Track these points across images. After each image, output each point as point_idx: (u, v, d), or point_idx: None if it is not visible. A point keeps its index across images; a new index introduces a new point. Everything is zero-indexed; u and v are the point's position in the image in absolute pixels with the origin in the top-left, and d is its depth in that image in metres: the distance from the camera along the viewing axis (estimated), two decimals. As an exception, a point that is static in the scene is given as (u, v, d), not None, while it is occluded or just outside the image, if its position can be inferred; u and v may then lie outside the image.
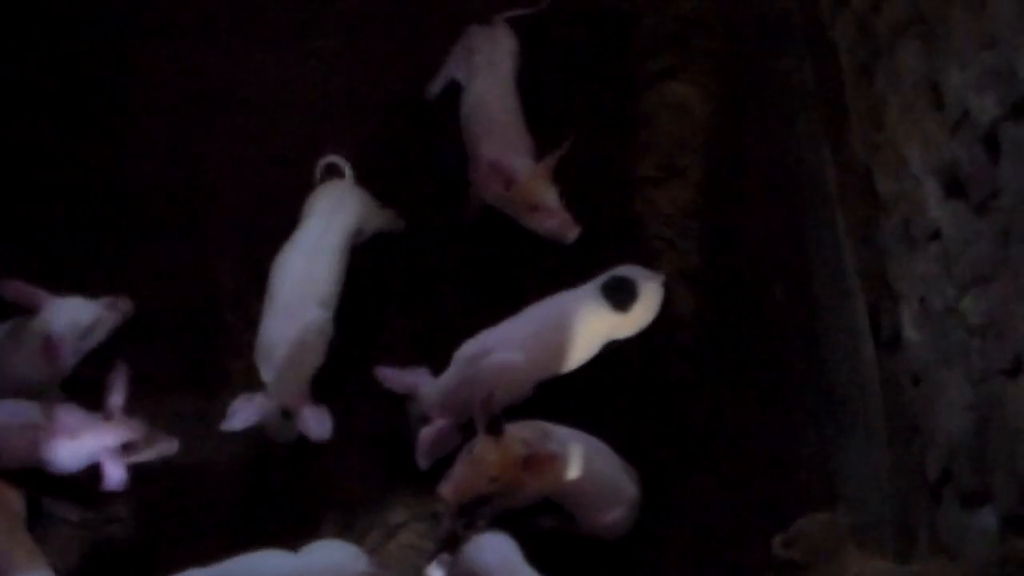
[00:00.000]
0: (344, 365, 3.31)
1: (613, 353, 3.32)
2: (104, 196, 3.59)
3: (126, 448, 3.03)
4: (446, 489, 2.94)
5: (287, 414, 3.14)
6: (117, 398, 3.04)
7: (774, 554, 1.60)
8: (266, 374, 3.14)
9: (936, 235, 2.75)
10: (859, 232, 3.28)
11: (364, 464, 3.28)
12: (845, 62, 3.43)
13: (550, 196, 3.35)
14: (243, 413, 3.09)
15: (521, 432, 3.00)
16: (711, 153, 3.77)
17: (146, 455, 3.08)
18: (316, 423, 3.12)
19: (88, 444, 3.02)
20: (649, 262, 3.51)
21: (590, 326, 3.21)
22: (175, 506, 3.21)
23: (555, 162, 3.35)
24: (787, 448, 3.31)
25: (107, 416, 3.03)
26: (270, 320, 3.16)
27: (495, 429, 2.91)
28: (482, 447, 2.92)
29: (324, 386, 3.21)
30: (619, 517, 3.14)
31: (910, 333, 2.93)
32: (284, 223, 3.39)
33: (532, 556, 2.92)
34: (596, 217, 3.50)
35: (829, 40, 3.55)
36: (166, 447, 3.09)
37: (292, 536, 3.02)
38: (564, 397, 3.30)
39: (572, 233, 3.35)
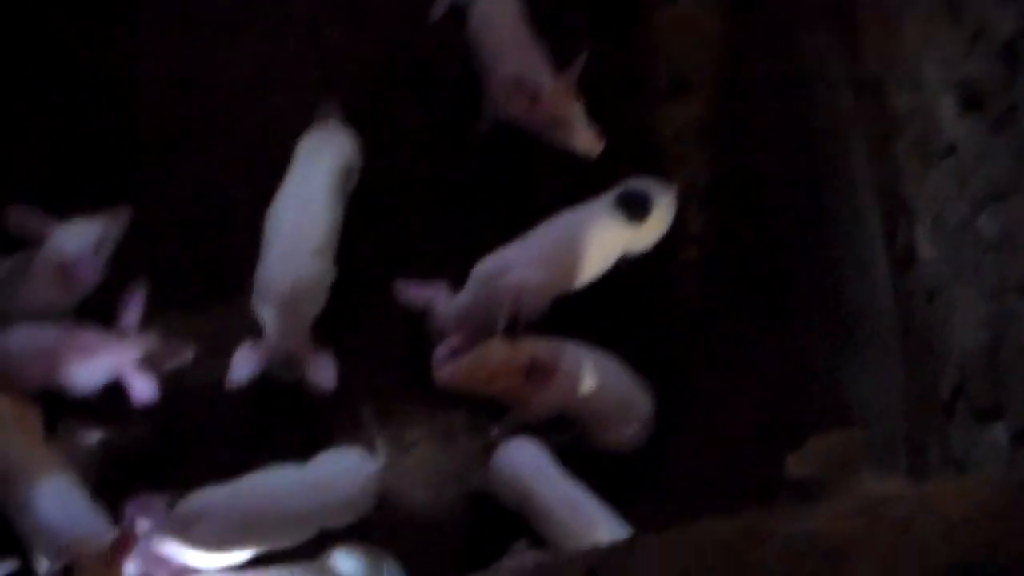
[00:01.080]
0: (360, 280, 3.31)
1: (624, 268, 3.33)
2: (114, 116, 3.56)
3: (147, 363, 3.06)
4: (443, 372, 2.99)
5: (289, 362, 3.14)
6: (131, 315, 3.08)
7: (787, 472, 1.62)
8: (264, 318, 3.13)
9: (952, 151, 2.73)
10: (873, 148, 3.25)
11: (379, 381, 3.30)
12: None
13: (575, 111, 3.32)
14: (245, 365, 3.10)
15: (536, 344, 3.02)
16: (722, 68, 3.72)
17: (165, 366, 3.11)
18: (319, 371, 3.13)
19: (106, 361, 3.04)
20: (660, 177, 3.49)
21: (604, 240, 3.21)
22: (189, 425, 3.23)
23: (576, 76, 3.31)
24: (799, 366, 3.32)
25: (121, 333, 3.06)
26: (265, 270, 3.13)
27: (512, 332, 2.93)
28: (492, 343, 2.97)
29: (340, 302, 3.22)
30: (632, 433, 3.17)
31: (924, 250, 2.92)
32: (295, 140, 3.36)
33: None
34: (607, 133, 3.47)
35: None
36: (181, 355, 3.12)
37: (306, 453, 3.08)
38: (577, 314, 3.30)
39: (597, 148, 3.33)
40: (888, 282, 3.13)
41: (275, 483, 2.96)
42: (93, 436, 3.16)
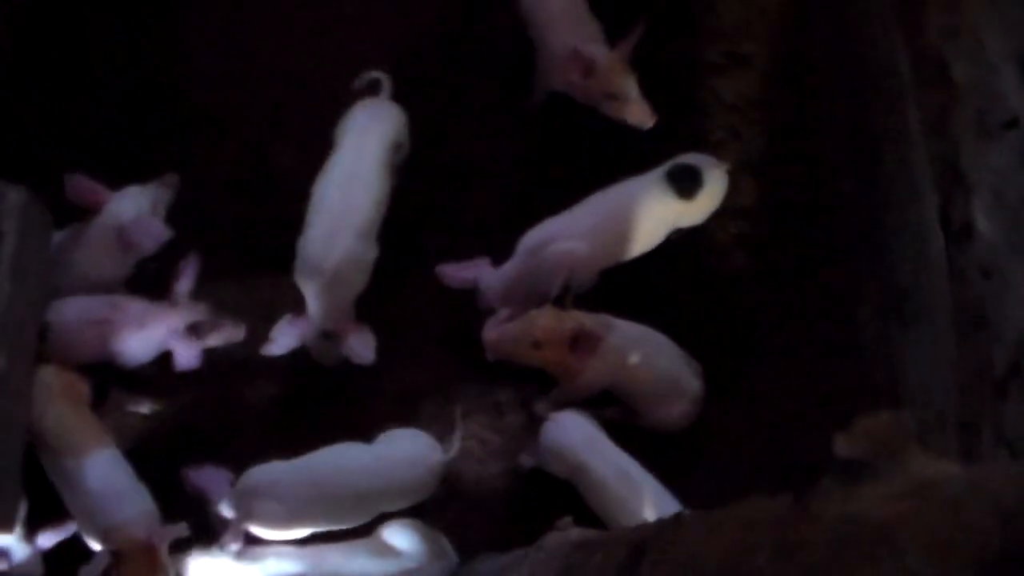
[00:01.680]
0: (406, 256, 3.31)
1: (675, 244, 3.30)
2: (159, 87, 3.57)
3: (194, 331, 3.08)
4: (490, 334, 3.00)
5: (330, 337, 3.13)
6: (184, 284, 3.09)
7: (835, 451, 1.59)
8: (306, 294, 3.12)
9: (1013, 124, 2.67)
10: (931, 121, 3.18)
11: (426, 356, 3.31)
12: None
13: (630, 84, 3.30)
14: (284, 339, 3.09)
15: (584, 315, 3.02)
16: (777, 41, 3.67)
17: (213, 339, 3.12)
18: (360, 347, 3.10)
19: (156, 330, 3.07)
20: (713, 151, 3.44)
21: (655, 213, 3.19)
22: (239, 400, 3.25)
23: (631, 48, 3.28)
24: (850, 342, 3.28)
25: (172, 301, 3.08)
26: (306, 245, 3.09)
27: (561, 301, 2.94)
28: (539, 310, 2.97)
29: (386, 277, 3.21)
30: (681, 411, 3.15)
31: (982, 225, 2.87)
32: (343, 109, 3.34)
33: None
34: (659, 106, 3.43)
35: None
36: (233, 332, 3.13)
37: (356, 428, 3.10)
38: (625, 288, 3.29)
39: (649, 121, 3.30)
40: (943, 257, 3.08)
41: (343, 461, 2.97)
42: (142, 406, 3.20)
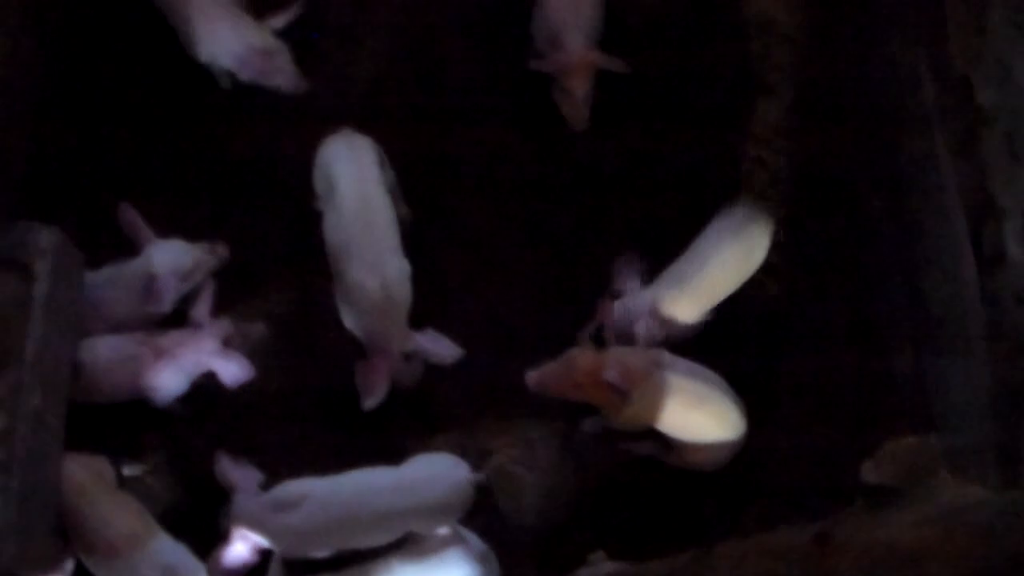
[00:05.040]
0: (439, 287, 3.32)
1: None
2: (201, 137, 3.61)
3: (229, 345, 3.10)
4: (532, 377, 2.99)
5: (408, 357, 3.15)
6: (202, 308, 3.12)
7: (863, 478, 1.57)
8: (360, 331, 3.13)
9: (1042, 147, 2.64)
10: (959, 146, 3.16)
11: (457, 389, 3.29)
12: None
13: (582, 86, 3.40)
14: (376, 387, 3.08)
15: (631, 356, 3.00)
16: (801, 68, 3.66)
17: (244, 348, 3.16)
18: (441, 349, 3.14)
19: (188, 358, 3.08)
20: (738, 181, 3.45)
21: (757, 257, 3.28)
22: (269, 428, 3.25)
23: (604, 60, 3.40)
24: (883, 370, 3.26)
25: (196, 325, 3.11)
26: (354, 288, 3.11)
27: (600, 339, 2.97)
28: (581, 351, 2.97)
29: (419, 309, 3.21)
30: (721, 454, 3.12)
31: (1014, 250, 2.84)
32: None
33: (620, 474, 2.97)
34: (683, 134, 3.45)
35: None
36: (257, 331, 3.18)
37: (385, 458, 3.08)
38: None
39: (580, 126, 3.46)
40: (975, 283, 3.04)
41: (370, 481, 2.99)
42: (135, 469, 3.18)
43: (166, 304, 3.16)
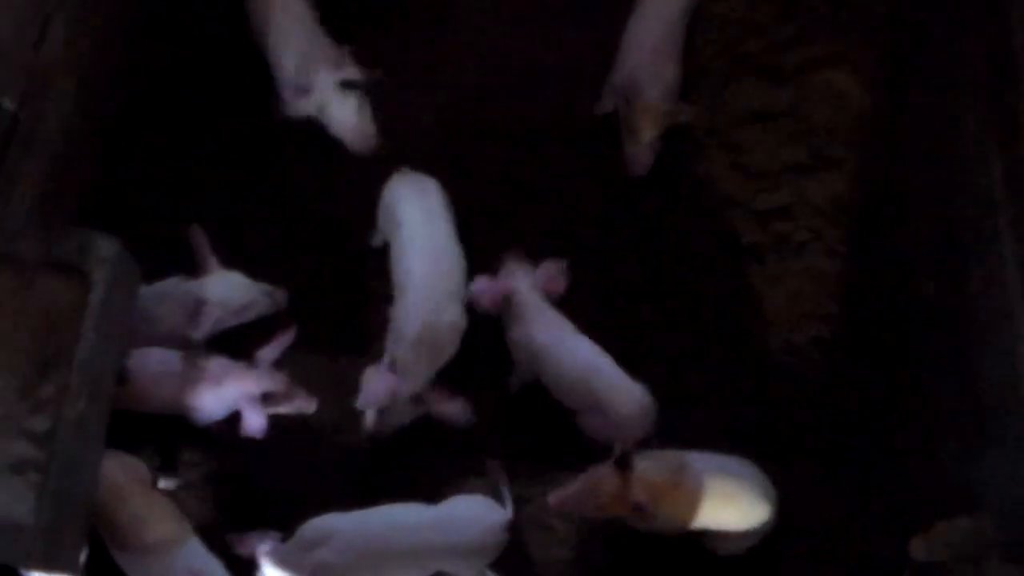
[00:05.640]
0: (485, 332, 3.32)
1: (756, 343, 3.31)
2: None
3: (266, 399, 3.11)
4: (554, 498, 2.95)
5: (419, 400, 3.17)
6: (271, 352, 3.13)
7: (912, 555, 1.53)
8: (404, 360, 3.12)
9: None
10: (1023, 235, 3.11)
11: (497, 433, 3.29)
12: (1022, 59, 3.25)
13: (648, 133, 3.46)
14: (373, 393, 3.08)
15: (654, 471, 2.93)
16: (868, 145, 3.65)
17: (284, 408, 3.15)
18: (451, 406, 3.17)
19: (231, 391, 3.10)
20: (793, 252, 3.47)
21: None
22: (301, 464, 3.27)
23: (676, 111, 3.47)
24: (926, 453, 3.21)
25: (253, 365, 3.11)
26: (409, 317, 3.14)
27: (624, 464, 2.89)
28: (604, 477, 2.90)
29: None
30: (750, 544, 3.07)
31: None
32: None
33: (646, 547, 2.96)
34: (744, 200, 3.45)
35: (1006, 26, 3.36)
36: (304, 403, 3.16)
37: (420, 497, 3.07)
38: (701, 391, 3.31)
39: (638, 172, 3.51)
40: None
41: (402, 516, 2.99)
42: (169, 482, 3.20)
43: (203, 331, 3.18)
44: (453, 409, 3.18)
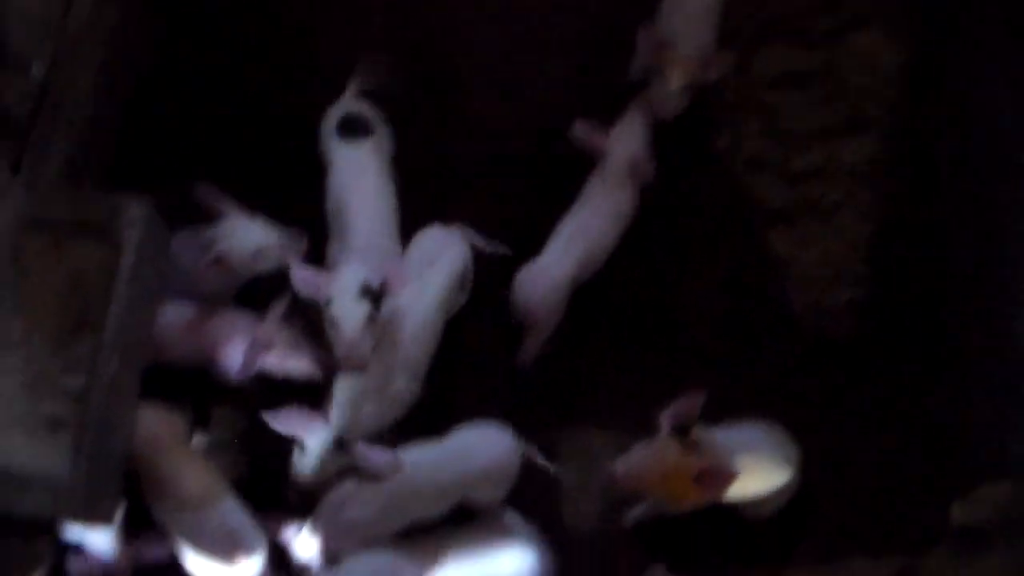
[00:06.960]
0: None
1: (785, 307, 3.31)
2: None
3: (264, 347, 3.07)
4: (620, 468, 2.90)
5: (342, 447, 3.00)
6: (282, 304, 3.08)
7: (952, 519, 1.53)
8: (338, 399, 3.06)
9: None
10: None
11: (521, 396, 3.29)
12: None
13: (677, 79, 3.37)
14: (290, 427, 2.96)
15: (707, 442, 2.89)
16: (900, 107, 3.61)
17: (281, 362, 3.12)
18: (378, 456, 2.98)
19: (241, 338, 3.08)
20: (824, 215, 3.45)
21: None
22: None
23: (707, 66, 3.37)
24: (961, 417, 3.20)
25: (265, 316, 3.08)
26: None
27: (683, 430, 2.86)
28: (664, 443, 2.87)
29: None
30: (775, 508, 3.08)
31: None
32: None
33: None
34: (775, 162, 3.42)
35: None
36: (300, 365, 3.13)
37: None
38: (732, 358, 3.32)
39: (668, 114, 3.45)
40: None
41: (416, 457, 3.00)
42: (199, 438, 3.21)
43: (207, 288, 3.13)
44: (379, 458, 2.99)
